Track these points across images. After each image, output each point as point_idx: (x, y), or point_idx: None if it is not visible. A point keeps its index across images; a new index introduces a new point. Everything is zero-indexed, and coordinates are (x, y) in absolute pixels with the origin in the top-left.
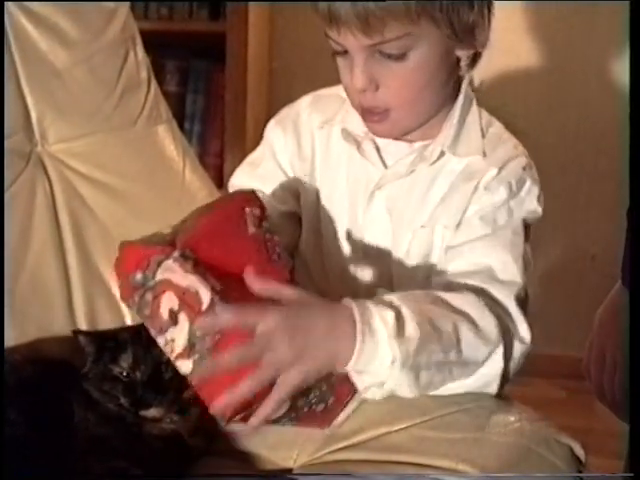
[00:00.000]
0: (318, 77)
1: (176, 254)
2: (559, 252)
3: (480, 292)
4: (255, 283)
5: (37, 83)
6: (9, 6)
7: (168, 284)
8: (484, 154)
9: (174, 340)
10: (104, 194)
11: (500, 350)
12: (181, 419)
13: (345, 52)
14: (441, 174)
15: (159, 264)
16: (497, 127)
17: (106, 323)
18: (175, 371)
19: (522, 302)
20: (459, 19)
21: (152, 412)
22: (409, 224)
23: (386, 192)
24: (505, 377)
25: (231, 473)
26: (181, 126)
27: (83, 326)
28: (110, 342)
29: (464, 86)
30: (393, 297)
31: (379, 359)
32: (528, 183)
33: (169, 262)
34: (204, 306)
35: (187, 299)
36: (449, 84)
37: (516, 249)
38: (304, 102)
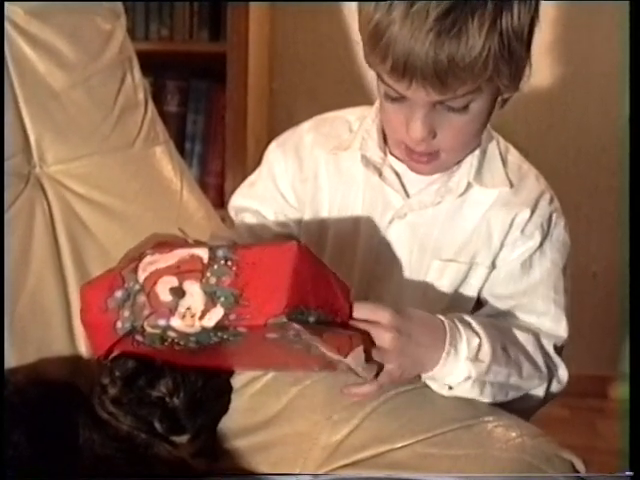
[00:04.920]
0: (318, 97)
1: (149, 250)
2: None
3: (533, 334)
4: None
5: (35, 105)
6: (7, 28)
7: (156, 274)
8: (511, 185)
9: (190, 307)
10: (102, 215)
11: (545, 385)
12: (190, 443)
13: (401, 98)
14: (466, 203)
15: (135, 270)
16: (514, 154)
17: None
18: (209, 398)
19: (561, 349)
20: (517, 67)
21: (184, 438)
22: (434, 254)
23: (407, 219)
24: (538, 408)
25: (236, 474)
26: (182, 146)
27: (82, 347)
28: (144, 366)
29: None
30: (472, 321)
31: (455, 375)
32: (554, 217)
33: (146, 259)
34: (205, 260)
35: (184, 268)
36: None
37: (558, 299)
38: (306, 126)
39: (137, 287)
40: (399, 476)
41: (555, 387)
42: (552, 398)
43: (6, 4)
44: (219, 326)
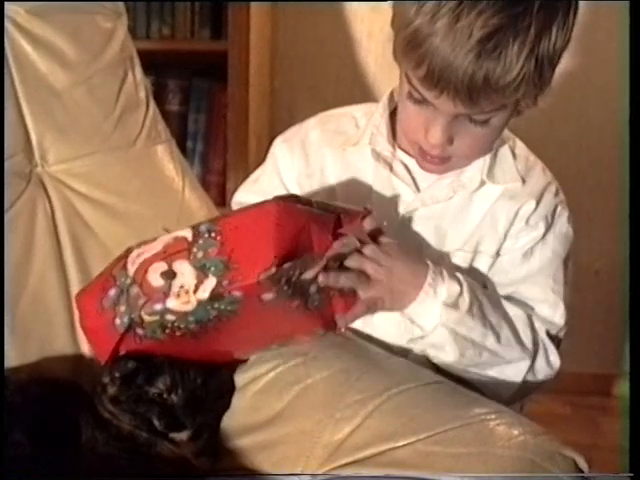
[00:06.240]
0: (319, 95)
1: (134, 245)
2: None
3: (525, 312)
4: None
5: (37, 104)
6: (8, 27)
7: (145, 263)
8: (523, 181)
9: (183, 285)
10: (104, 214)
11: (528, 361)
12: (192, 442)
13: (425, 101)
14: (476, 196)
15: (124, 267)
16: (520, 147)
17: None
18: (209, 395)
19: (558, 339)
20: (542, 88)
21: (183, 435)
22: (443, 245)
23: (417, 212)
24: (526, 392)
25: (238, 473)
26: (183, 145)
27: (84, 345)
28: (142, 364)
29: None
30: (460, 275)
31: (429, 317)
32: (559, 209)
33: (132, 254)
34: (190, 238)
35: (171, 250)
36: None
37: (557, 288)
38: (312, 122)
39: (129, 281)
40: (401, 474)
41: (544, 370)
42: (541, 383)
43: (6, 3)
44: (214, 295)
